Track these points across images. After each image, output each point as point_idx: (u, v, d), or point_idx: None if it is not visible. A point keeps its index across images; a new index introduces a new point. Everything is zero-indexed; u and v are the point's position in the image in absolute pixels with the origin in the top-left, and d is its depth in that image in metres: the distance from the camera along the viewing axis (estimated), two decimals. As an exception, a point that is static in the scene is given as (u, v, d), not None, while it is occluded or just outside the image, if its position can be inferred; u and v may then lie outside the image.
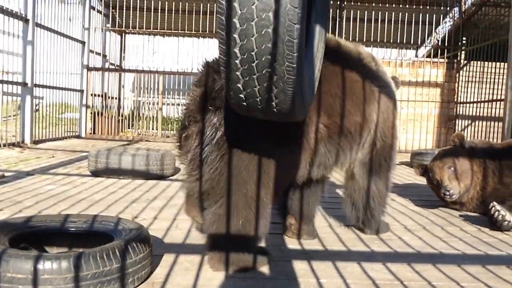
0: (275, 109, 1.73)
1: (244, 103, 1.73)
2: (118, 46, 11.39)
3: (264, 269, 2.17)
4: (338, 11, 10.02)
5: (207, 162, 2.08)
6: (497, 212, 3.05)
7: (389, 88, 2.85)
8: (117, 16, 10.80)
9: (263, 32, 1.52)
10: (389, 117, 2.79)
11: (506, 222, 3.03)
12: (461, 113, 9.41)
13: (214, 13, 10.48)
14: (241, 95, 1.70)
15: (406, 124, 9.27)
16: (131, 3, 10.22)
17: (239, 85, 1.66)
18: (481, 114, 8.81)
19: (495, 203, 3.11)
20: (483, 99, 8.83)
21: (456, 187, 3.52)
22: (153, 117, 10.85)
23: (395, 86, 3.05)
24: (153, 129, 10.53)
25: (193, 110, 2.14)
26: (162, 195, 3.89)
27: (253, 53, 1.57)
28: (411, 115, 9.29)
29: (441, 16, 9.97)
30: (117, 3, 10.39)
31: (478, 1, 9.25)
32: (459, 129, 9.37)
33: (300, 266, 2.25)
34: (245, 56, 1.58)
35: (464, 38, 9.49)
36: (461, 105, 9.40)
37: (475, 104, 8.96)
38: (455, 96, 9.46)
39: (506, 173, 3.57)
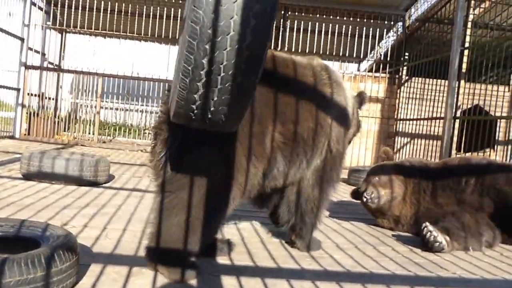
0: (222, 120, 1.82)
1: (192, 113, 1.79)
2: (58, 45, 11.15)
3: (193, 282, 2.20)
4: (282, 20, 10.23)
5: (164, 176, 2.29)
6: (429, 233, 3.19)
7: (343, 102, 2.96)
8: (58, 13, 10.54)
9: (236, 47, 1.62)
10: (341, 129, 2.93)
11: (438, 243, 3.18)
12: (400, 130, 9.83)
13: (158, 17, 10.61)
14: (193, 106, 1.76)
15: (346, 140, 9.54)
16: (73, 1, 10.04)
17: (195, 96, 1.72)
18: (420, 132, 9.25)
19: (427, 223, 3.25)
20: (423, 116, 9.27)
21: (376, 193, 3.69)
22: (90, 120, 10.81)
23: (360, 102, 3.29)
24: (89, 133, 10.43)
25: (158, 125, 2.39)
26: (94, 202, 3.91)
27: (221, 65, 1.64)
28: (351, 130, 9.58)
29: (385, 30, 10.41)
30: (59, 0, 10.14)
31: (422, 17, 9.76)
32: (398, 146, 9.78)
33: (229, 282, 2.28)
34: (212, 68, 1.65)
35: (406, 54, 9.96)
36: (401, 122, 9.82)
37: (414, 122, 9.39)
38: (395, 113, 9.87)
39: (440, 193, 3.76)
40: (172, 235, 2.22)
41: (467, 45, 7.67)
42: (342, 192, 5.85)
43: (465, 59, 7.61)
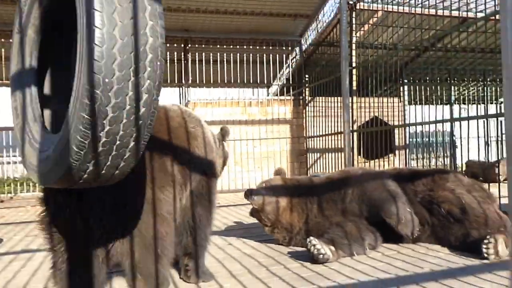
0: (110, 179, 1.96)
1: (83, 174, 1.86)
2: None
3: None
4: (183, 53, 10.45)
5: None
6: (312, 247, 3.40)
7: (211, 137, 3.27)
8: None
9: (131, 118, 1.80)
10: (207, 162, 3.14)
11: (322, 255, 3.39)
12: (311, 146, 10.26)
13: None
14: (84, 171, 1.84)
15: (261, 162, 9.84)
16: None
17: (88, 164, 1.82)
18: (328, 146, 9.71)
19: (311, 238, 3.47)
20: (329, 132, 9.75)
21: (260, 194, 4.06)
22: None
23: (224, 135, 3.57)
24: None
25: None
26: None
27: (117, 136, 1.80)
28: (264, 153, 9.89)
29: (285, 56, 10.92)
30: None
31: (315, 41, 10.35)
32: (311, 162, 10.20)
33: None
34: (109, 139, 1.79)
35: (306, 76, 10.49)
36: (310, 139, 10.27)
37: (322, 137, 9.85)
38: (304, 131, 10.31)
39: (325, 206, 4.02)
40: None
41: (354, 64, 8.21)
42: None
43: (354, 77, 8.15)
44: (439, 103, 7.61)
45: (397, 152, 10.56)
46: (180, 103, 10.90)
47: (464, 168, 9.50)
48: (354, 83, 8.24)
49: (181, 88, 11.71)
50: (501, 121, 7.74)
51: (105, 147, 1.79)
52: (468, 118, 6.17)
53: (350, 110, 8.11)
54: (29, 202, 8.84)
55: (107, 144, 1.79)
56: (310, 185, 4.20)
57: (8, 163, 11.87)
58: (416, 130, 9.89)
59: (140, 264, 2.45)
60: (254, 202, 4.06)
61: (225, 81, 10.76)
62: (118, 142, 1.81)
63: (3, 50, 9.52)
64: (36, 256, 4.05)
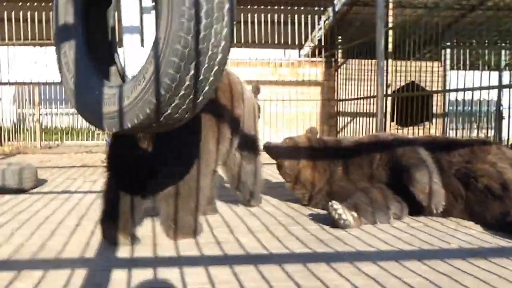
0: (178, 122, 2.19)
1: (161, 117, 2.06)
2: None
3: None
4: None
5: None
6: (334, 211, 3.21)
7: (249, 95, 3.79)
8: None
9: (211, 63, 1.98)
10: (251, 117, 3.76)
11: (343, 221, 3.19)
12: (341, 110, 9.95)
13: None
14: (167, 111, 2.04)
15: (290, 123, 9.62)
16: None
17: (169, 105, 2.02)
18: (360, 111, 9.39)
19: (333, 202, 3.25)
20: (361, 96, 9.41)
21: (277, 150, 4.06)
22: (31, 128, 10.58)
23: (256, 92, 4.04)
24: (31, 140, 10.20)
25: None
26: (12, 210, 3.84)
27: (198, 80, 1.97)
28: (294, 114, 9.66)
29: (317, 16, 10.48)
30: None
31: (349, 1, 9.85)
32: (341, 126, 9.91)
33: (119, 276, 2.19)
34: (191, 83, 1.97)
35: (340, 37, 10.05)
36: (341, 102, 9.94)
37: (354, 101, 9.52)
38: (335, 94, 9.99)
39: (351, 170, 3.81)
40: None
41: (390, 25, 7.77)
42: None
43: (390, 39, 7.73)
44: (486, 69, 7.02)
45: (434, 120, 10.10)
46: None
47: (511, 142, 8.97)
48: (390, 45, 7.81)
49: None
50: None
51: (187, 90, 1.96)
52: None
53: (385, 74, 7.74)
54: (72, 149, 9.70)
55: (188, 88, 1.95)
56: (336, 147, 3.98)
57: (56, 114, 13.12)
58: (457, 98, 9.31)
59: (178, 212, 2.79)
60: (270, 154, 4.03)
61: (256, 42, 10.46)
62: (197, 86, 1.98)
63: (43, 13, 9.64)
64: (72, 197, 4.39)
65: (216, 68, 1.99)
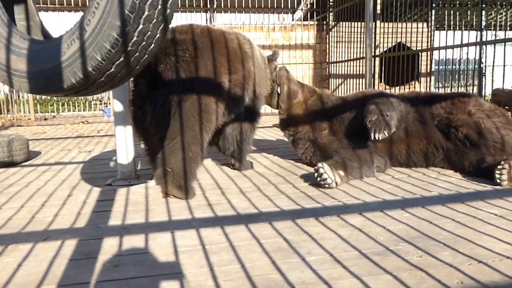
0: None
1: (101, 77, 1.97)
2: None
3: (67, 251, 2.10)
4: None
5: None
6: (317, 173, 3.18)
7: (261, 59, 3.78)
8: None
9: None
10: (261, 76, 3.69)
11: (328, 184, 3.15)
12: (333, 72, 9.85)
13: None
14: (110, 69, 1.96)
15: (283, 87, 9.52)
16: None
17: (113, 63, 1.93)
18: (350, 72, 9.29)
19: (320, 164, 3.21)
20: (351, 58, 9.29)
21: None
22: (24, 100, 9.94)
23: (274, 57, 4.08)
24: (25, 112, 9.76)
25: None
26: (2, 183, 3.61)
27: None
28: (287, 77, 9.54)
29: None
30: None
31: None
32: (333, 87, 9.84)
33: (109, 242, 2.18)
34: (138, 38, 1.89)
35: (331, 0, 9.83)
36: (333, 64, 9.83)
37: (345, 63, 9.41)
38: (327, 57, 9.86)
39: (336, 124, 3.80)
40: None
41: (378, -14, 7.60)
42: (276, 136, 5.94)
43: (379, 0, 7.58)
44: (468, 29, 6.99)
45: (422, 79, 10.02)
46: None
47: (490, 98, 8.95)
48: (379, 7, 7.66)
49: (206, 13, 11.31)
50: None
51: (133, 46, 1.86)
52: (495, 42, 5.68)
53: (373, 35, 7.62)
54: (68, 120, 9.36)
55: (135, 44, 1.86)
56: (325, 101, 4.00)
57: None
58: (441, 57, 9.20)
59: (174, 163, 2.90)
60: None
61: (250, 6, 10.24)
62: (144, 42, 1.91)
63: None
64: (66, 168, 4.19)
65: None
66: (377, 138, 3.33)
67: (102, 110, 10.44)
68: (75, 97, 11.84)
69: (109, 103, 10.39)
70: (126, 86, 3.37)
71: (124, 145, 3.43)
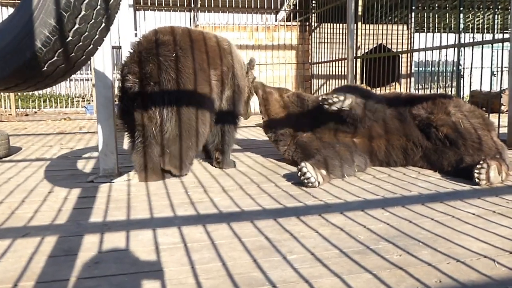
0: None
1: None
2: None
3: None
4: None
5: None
6: (300, 172, 3.17)
7: (240, 59, 3.96)
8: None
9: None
10: (242, 74, 3.93)
11: (311, 184, 3.14)
12: (315, 73, 9.88)
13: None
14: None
15: (266, 87, 9.52)
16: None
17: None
18: (332, 73, 9.33)
19: (303, 163, 3.20)
20: (333, 59, 9.32)
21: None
22: (5, 95, 9.73)
23: (251, 65, 4.20)
24: (6, 108, 9.54)
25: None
26: None
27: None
28: (270, 77, 9.55)
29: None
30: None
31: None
32: (316, 88, 9.87)
33: (90, 239, 2.13)
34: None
35: (314, 2, 9.87)
36: (315, 65, 9.86)
37: (327, 64, 9.44)
38: (309, 57, 9.89)
39: (318, 124, 3.81)
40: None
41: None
42: (262, 136, 5.90)
43: (360, 2, 7.62)
44: (447, 31, 7.08)
45: (402, 81, 10.11)
46: (190, 26, 10.43)
47: (468, 99, 9.07)
48: (360, 9, 7.71)
49: (190, 12, 11.23)
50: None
51: (74, 37, 1.79)
52: (473, 44, 5.76)
53: (355, 37, 7.67)
54: (50, 116, 9.22)
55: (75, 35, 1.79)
56: (302, 100, 4.03)
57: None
58: (420, 59, 9.29)
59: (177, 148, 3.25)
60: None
61: (233, 6, 10.21)
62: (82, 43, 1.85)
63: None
64: (47, 164, 4.11)
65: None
66: (326, 108, 3.47)
67: (85, 107, 10.30)
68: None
69: (92, 100, 10.25)
70: (109, 83, 3.32)
71: (107, 142, 3.38)
